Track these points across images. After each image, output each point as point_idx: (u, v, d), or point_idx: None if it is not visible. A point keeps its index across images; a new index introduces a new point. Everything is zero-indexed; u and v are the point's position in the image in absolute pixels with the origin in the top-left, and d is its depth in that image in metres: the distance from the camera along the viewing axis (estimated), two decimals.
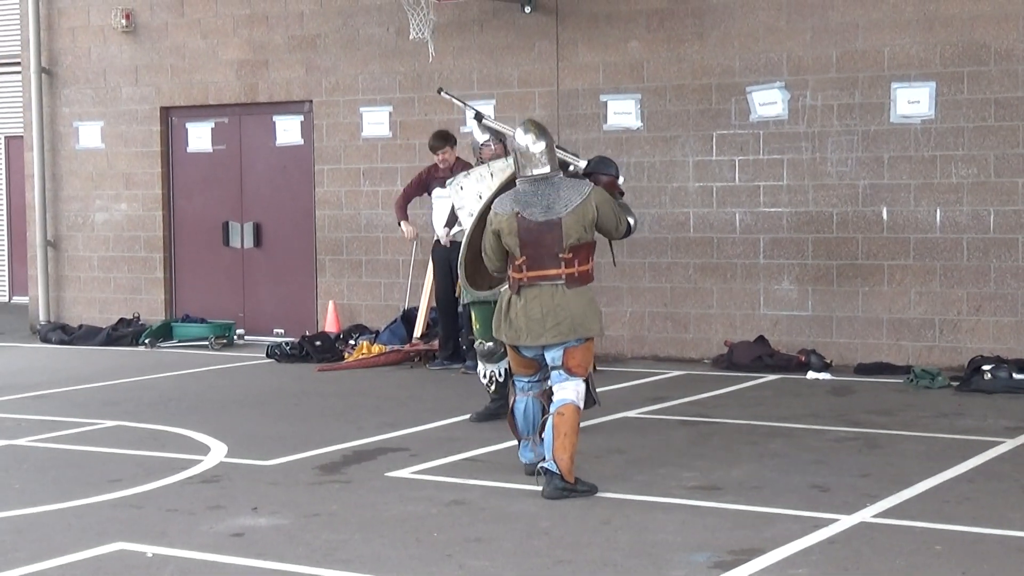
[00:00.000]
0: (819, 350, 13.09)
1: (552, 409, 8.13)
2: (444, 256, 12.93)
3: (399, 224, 13.90)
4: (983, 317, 12.78)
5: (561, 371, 8.19)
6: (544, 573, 6.58)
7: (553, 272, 8.19)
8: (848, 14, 13.18)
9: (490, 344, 10.13)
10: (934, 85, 12.85)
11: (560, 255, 8.17)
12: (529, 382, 8.49)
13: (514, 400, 8.55)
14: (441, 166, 13.25)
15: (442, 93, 11.11)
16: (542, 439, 8.30)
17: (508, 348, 8.53)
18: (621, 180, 9.15)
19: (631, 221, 8.60)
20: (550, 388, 8.35)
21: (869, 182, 13.13)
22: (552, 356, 8.21)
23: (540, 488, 8.03)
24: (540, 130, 8.40)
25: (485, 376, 10.36)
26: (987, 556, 6.73)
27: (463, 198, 9.93)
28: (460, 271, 9.31)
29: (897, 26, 12.98)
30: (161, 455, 9.46)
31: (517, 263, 8.26)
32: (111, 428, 10.62)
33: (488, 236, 8.42)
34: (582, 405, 8.20)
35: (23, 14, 17.69)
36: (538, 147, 8.31)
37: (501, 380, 10.25)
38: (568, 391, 8.14)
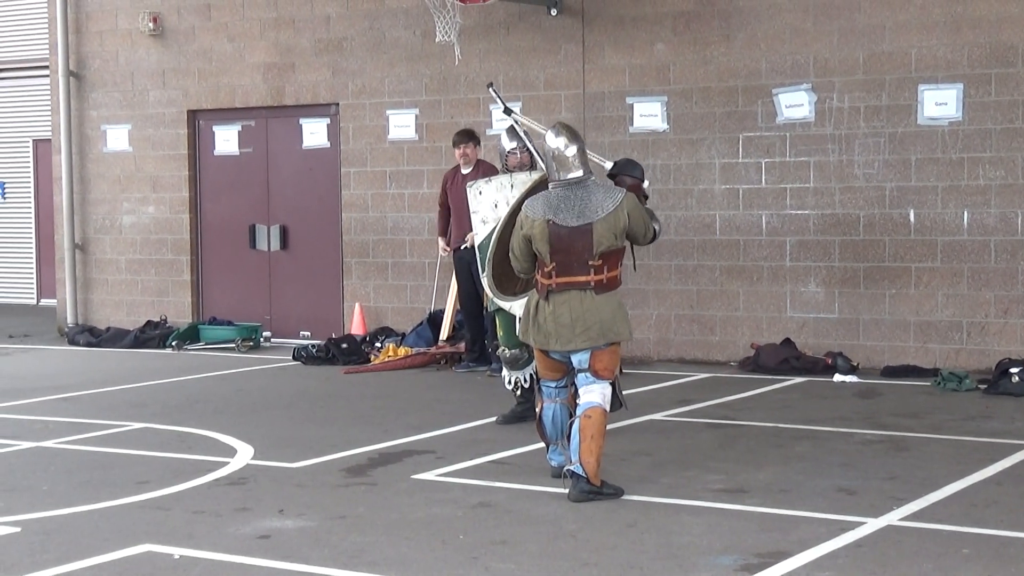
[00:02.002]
0: (846, 352, 13.06)
1: (578, 412, 8.13)
2: (466, 260, 12.94)
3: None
4: (1011, 319, 12.72)
5: (588, 374, 8.19)
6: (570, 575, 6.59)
7: (583, 279, 8.18)
8: (875, 16, 13.14)
9: (515, 351, 10.17)
10: (961, 87, 12.81)
11: (590, 262, 8.17)
12: (556, 387, 8.48)
13: (542, 407, 8.55)
14: (461, 162, 13.26)
15: (491, 89, 11.04)
16: (570, 442, 8.33)
17: (536, 352, 8.53)
18: (646, 184, 9.16)
19: (656, 227, 8.62)
20: (575, 391, 8.36)
21: (896, 184, 13.10)
22: (579, 359, 8.21)
23: (566, 491, 8.03)
24: (572, 133, 8.41)
25: (510, 383, 10.37)
26: (1015, 559, 6.70)
27: (479, 203, 9.98)
28: (487, 271, 9.33)
29: (924, 28, 12.94)
30: (188, 457, 9.49)
31: (547, 269, 8.26)
32: (138, 430, 10.66)
33: (517, 238, 8.41)
34: (608, 408, 8.20)
35: (51, 18, 17.79)
36: (571, 151, 8.31)
37: (527, 386, 10.28)
38: (594, 394, 8.13)
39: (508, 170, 10.44)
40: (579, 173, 8.31)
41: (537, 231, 8.24)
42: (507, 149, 10.59)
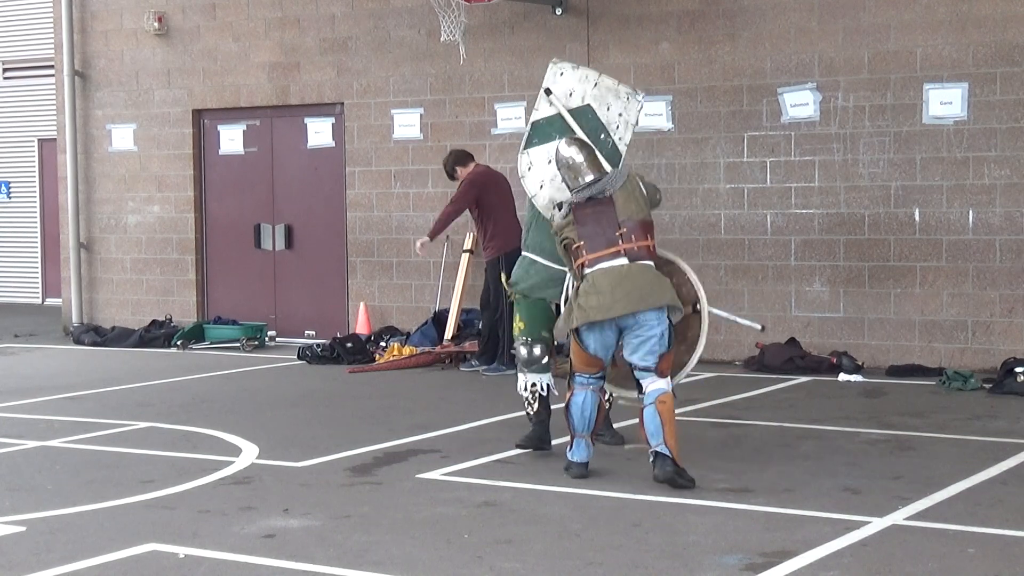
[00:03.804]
0: (851, 352, 13.05)
1: (648, 400, 8.32)
2: (498, 268, 13.03)
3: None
4: (1016, 319, 12.71)
5: (651, 373, 8.36)
6: (575, 575, 6.58)
7: (611, 250, 8.44)
8: (880, 15, 13.14)
9: (539, 347, 9.18)
10: (967, 86, 12.80)
11: (616, 232, 8.43)
12: (590, 378, 8.57)
13: (572, 394, 8.61)
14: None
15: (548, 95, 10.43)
16: (595, 438, 8.63)
17: (573, 344, 8.55)
18: None
19: (657, 196, 9.02)
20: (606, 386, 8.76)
21: (901, 183, 13.09)
22: (644, 362, 8.36)
23: (653, 471, 8.23)
24: (579, 142, 8.80)
25: (525, 388, 9.25)
26: (1020, 559, 6.69)
27: (556, 84, 9.34)
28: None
29: (929, 27, 12.93)
30: (193, 456, 9.50)
31: (576, 247, 8.53)
32: (143, 429, 10.67)
33: (558, 245, 8.79)
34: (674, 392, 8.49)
35: (56, 17, 17.81)
36: (580, 156, 8.68)
37: (544, 394, 9.22)
38: (660, 382, 8.37)
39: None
40: (593, 176, 8.63)
41: (565, 222, 8.61)
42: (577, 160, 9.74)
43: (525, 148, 9.25)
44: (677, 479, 8.15)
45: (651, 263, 8.50)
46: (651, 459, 8.22)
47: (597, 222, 8.47)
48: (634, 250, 8.44)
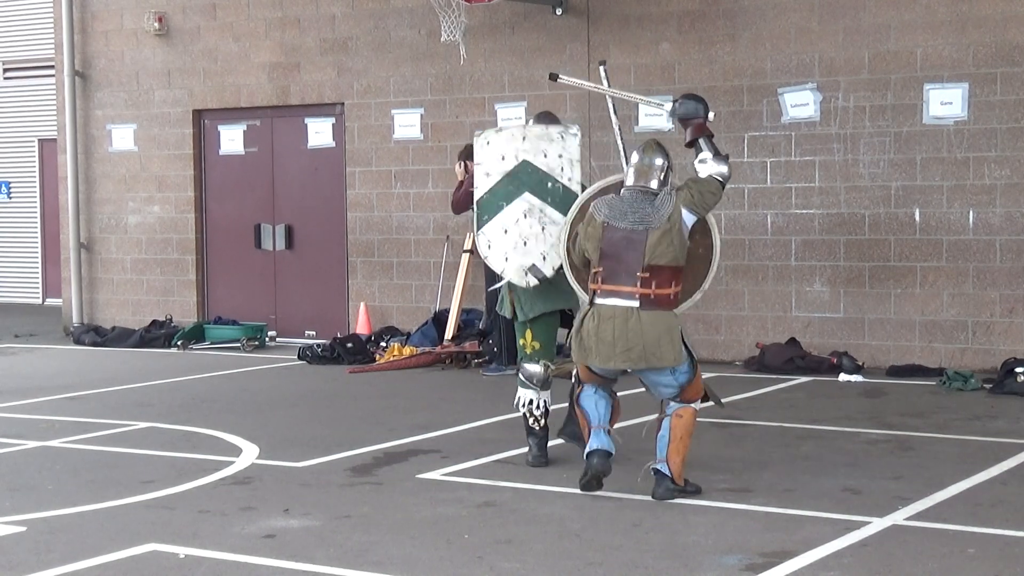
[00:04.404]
0: (851, 352, 13.04)
1: (670, 411, 8.10)
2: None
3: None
4: (1016, 319, 12.71)
5: (679, 401, 8.15)
6: (575, 575, 6.57)
7: (627, 289, 7.99)
8: (880, 15, 13.14)
9: (551, 367, 8.97)
10: (967, 86, 12.80)
11: (638, 272, 7.97)
12: (599, 388, 8.36)
13: (582, 389, 8.32)
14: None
15: (602, 67, 9.73)
16: (609, 431, 8.24)
17: (580, 364, 8.29)
18: (711, 116, 8.63)
19: (724, 170, 8.41)
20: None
21: (901, 183, 13.09)
22: (665, 394, 8.15)
23: (651, 490, 7.97)
24: (655, 148, 8.27)
25: (524, 405, 9.00)
26: (1020, 559, 6.69)
27: (486, 154, 9.02)
28: (565, 262, 8.60)
29: (930, 27, 12.93)
30: (193, 456, 9.50)
31: (594, 271, 8.14)
32: (144, 429, 10.67)
33: (582, 236, 8.28)
34: (697, 408, 8.21)
35: (57, 18, 17.81)
36: (644, 162, 8.19)
37: (541, 412, 8.98)
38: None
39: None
40: (647, 183, 8.14)
41: (591, 231, 8.12)
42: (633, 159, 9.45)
43: (479, 229, 8.95)
44: (675, 497, 7.94)
45: (667, 311, 8.02)
46: (652, 474, 8.06)
47: (626, 251, 7.98)
48: (650, 297, 7.96)
